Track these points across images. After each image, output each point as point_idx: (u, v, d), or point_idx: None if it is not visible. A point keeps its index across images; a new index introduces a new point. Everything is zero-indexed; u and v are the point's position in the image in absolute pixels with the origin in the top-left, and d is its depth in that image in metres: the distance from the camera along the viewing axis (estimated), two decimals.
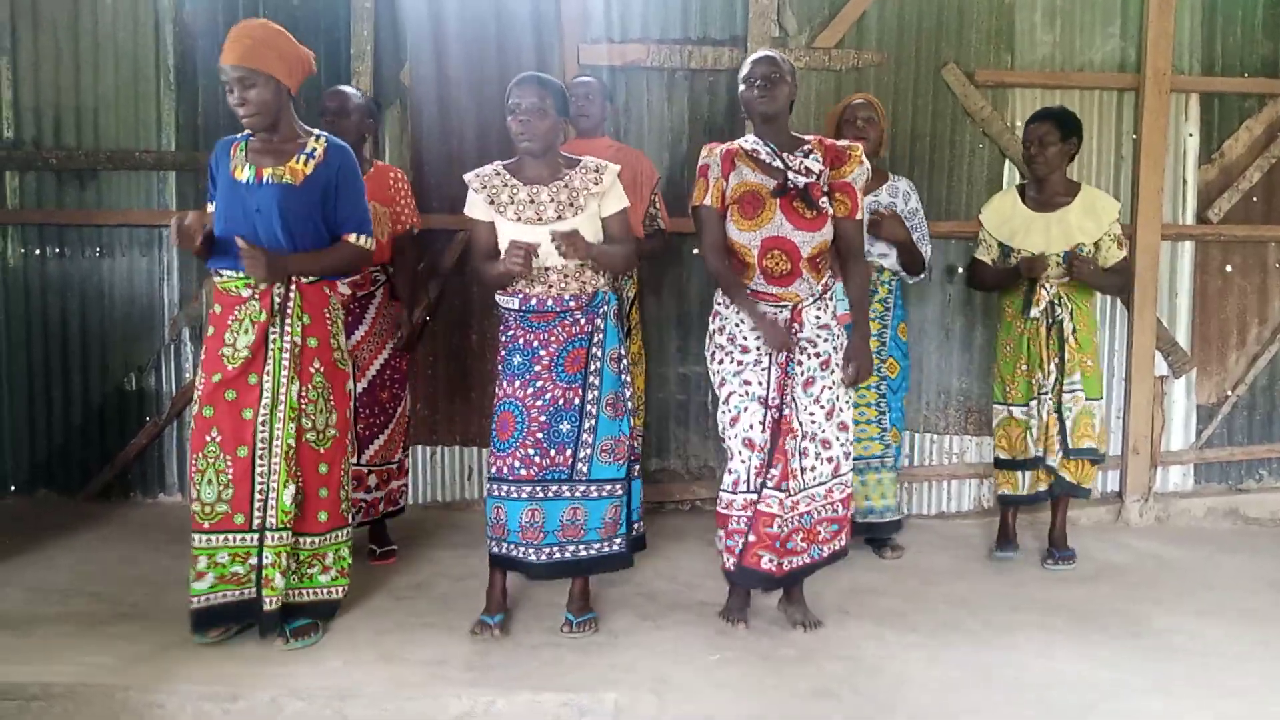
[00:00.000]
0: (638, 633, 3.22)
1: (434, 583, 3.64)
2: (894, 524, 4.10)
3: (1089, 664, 3.04)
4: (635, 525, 3.27)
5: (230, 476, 2.98)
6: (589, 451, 3.13)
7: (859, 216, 3.20)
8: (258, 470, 2.98)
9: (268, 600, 2.99)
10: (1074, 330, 3.90)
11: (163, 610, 3.30)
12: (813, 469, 3.21)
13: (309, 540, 3.08)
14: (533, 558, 3.14)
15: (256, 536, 2.99)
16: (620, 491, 3.18)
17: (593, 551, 3.17)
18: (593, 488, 3.14)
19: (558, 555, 3.15)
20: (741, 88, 3.17)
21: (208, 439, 2.99)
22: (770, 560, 3.16)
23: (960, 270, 4.58)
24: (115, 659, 2.92)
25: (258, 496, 2.99)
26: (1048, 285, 3.89)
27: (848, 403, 3.29)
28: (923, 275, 4.13)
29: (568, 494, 3.13)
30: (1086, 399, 3.92)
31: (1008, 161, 4.63)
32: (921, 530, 4.47)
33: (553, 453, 3.12)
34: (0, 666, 2.84)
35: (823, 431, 3.21)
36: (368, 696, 2.74)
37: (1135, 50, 4.63)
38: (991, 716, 2.71)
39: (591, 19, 4.56)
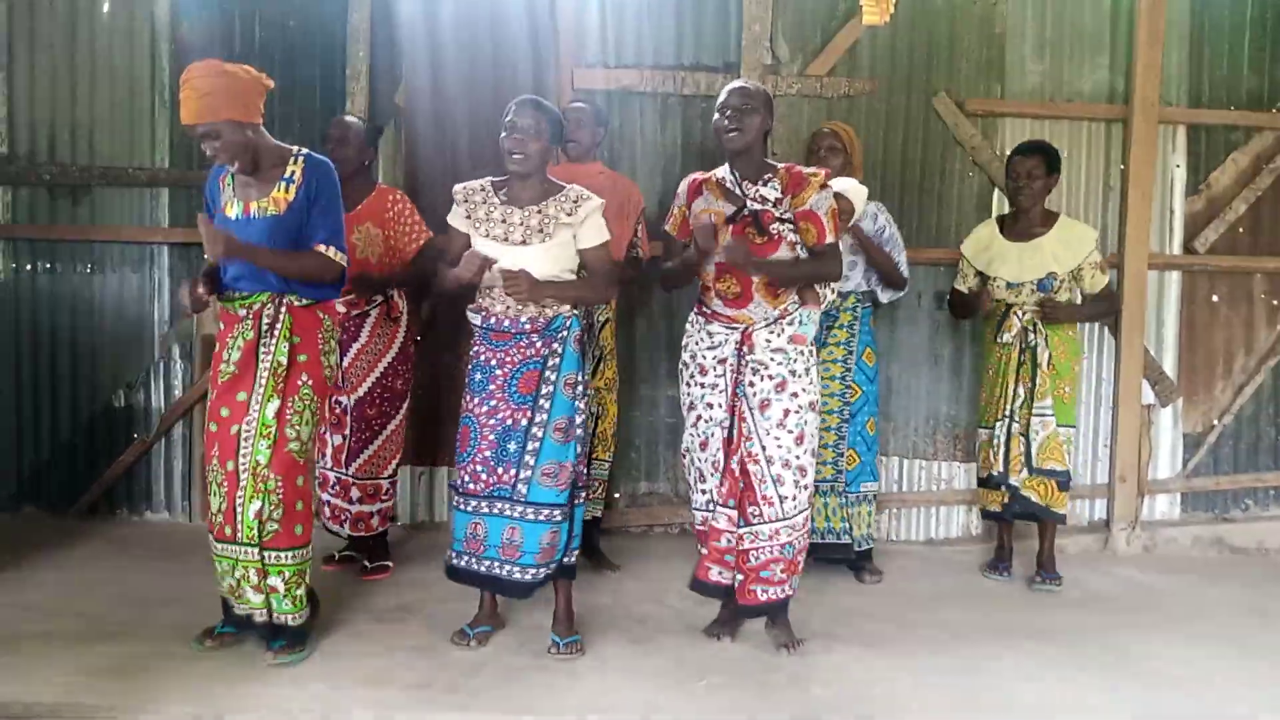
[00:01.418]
0: (626, 656, 3.22)
1: (419, 604, 3.62)
2: (841, 546, 4.04)
3: (1075, 689, 3.04)
4: (571, 552, 3.23)
5: (225, 489, 3.04)
6: (529, 474, 3.14)
7: (829, 240, 3.20)
8: (241, 484, 3.02)
9: (255, 614, 3.06)
10: (1049, 357, 3.97)
11: (147, 629, 3.28)
12: (794, 498, 3.22)
13: (289, 555, 3.06)
14: (475, 567, 3.21)
15: (237, 549, 3.04)
16: (559, 517, 3.16)
17: (527, 576, 3.16)
18: (529, 510, 3.14)
19: (496, 571, 3.18)
20: (715, 116, 3.21)
21: (212, 453, 3.07)
22: (719, 573, 3.27)
23: (949, 297, 4.60)
24: (100, 678, 2.90)
25: (239, 510, 3.03)
26: (1020, 312, 3.97)
27: (817, 429, 3.30)
28: (903, 292, 4.15)
29: (508, 513, 3.16)
30: (1057, 424, 4.00)
31: (996, 190, 4.66)
32: (910, 555, 4.48)
33: (499, 470, 3.16)
34: None
35: (797, 459, 3.22)
36: (352, 718, 2.72)
37: (1124, 81, 4.69)
38: None
39: (587, 43, 4.60)
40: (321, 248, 3.10)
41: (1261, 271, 4.83)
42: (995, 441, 4.09)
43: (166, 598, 3.57)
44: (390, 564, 4.00)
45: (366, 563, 3.96)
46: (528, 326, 3.13)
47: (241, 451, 3.01)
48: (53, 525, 4.52)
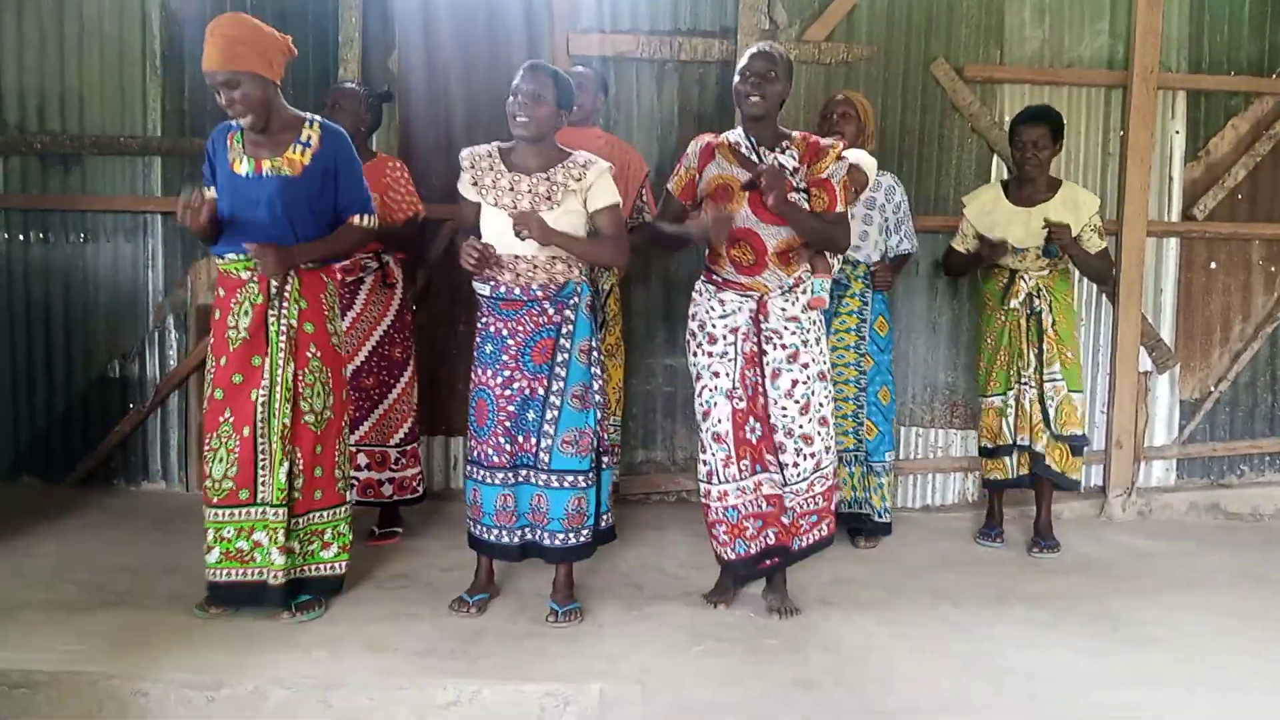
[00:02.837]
0: (623, 623, 3.23)
1: (421, 572, 3.64)
2: (861, 517, 4.08)
3: (1072, 655, 3.06)
4: (604, 517, 3.28)
5: (237, 455, 3.06)
6: (550, 442, 3.15)
7: (839, 209, 3.20)
8: (260, 449, 3.06)
9: (271, 576, 3.08)
10: (1053, 322, 3.98)
11: (147, 597, 3.29)
12: (795, 465, 3.24)
13: (308, 517, 3.16)
14: (506, 539, 3.21)
15: (259, 511, 3.08)
16: (584, 484, 3.18)
17: (556, 541, 3.18)
18: (554, 478, 3.16)
19: (529, 536, 3.21)
20: (736, 79, 3.18)
21: (221, 420, 3.08)
22: (768, 535, 3.25)
23: (943, 270, 4.59)
24: (99, 646, 2.90)
25: (261, 474, 3.07)
26: (1026, 277, 3.98)
27: (827, 398, 3.31)
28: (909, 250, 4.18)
29: (533, 480, 3.17)
30: (1068, 389, 3.98)
31: (996, 156, 4.64)
32: (906, 522, 4.49)
33: (520, 439, 3.16)
34: None
35: (801, 428, 3.24)
36: (353, 686, 2.74)
37: (1123, 47, 4.65)
38: (976, 707, 2.73)
39: (582, 8, 4.54)
40: (356, 219, 3.15)
41: (1260, 238, 4.82)
42: (1007, 409, 4.07)
43: (164, 566, 3.58)
44: (400, 530, 4.01)
45: (375, 528, 3.97)
46: (540, 294, 3.10)
47: (260, 416, 3.04)
48: (50, 495, 4.52)
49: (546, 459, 3.15)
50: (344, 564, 3.27)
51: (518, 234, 2.99)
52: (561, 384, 3.14)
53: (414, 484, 4.03)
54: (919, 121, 4.64)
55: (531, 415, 3.15)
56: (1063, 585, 3.71)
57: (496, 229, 3.09)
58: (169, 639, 2.97)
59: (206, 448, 3.11)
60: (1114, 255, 4.62)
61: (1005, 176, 4.31)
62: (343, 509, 3.25)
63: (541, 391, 3.14)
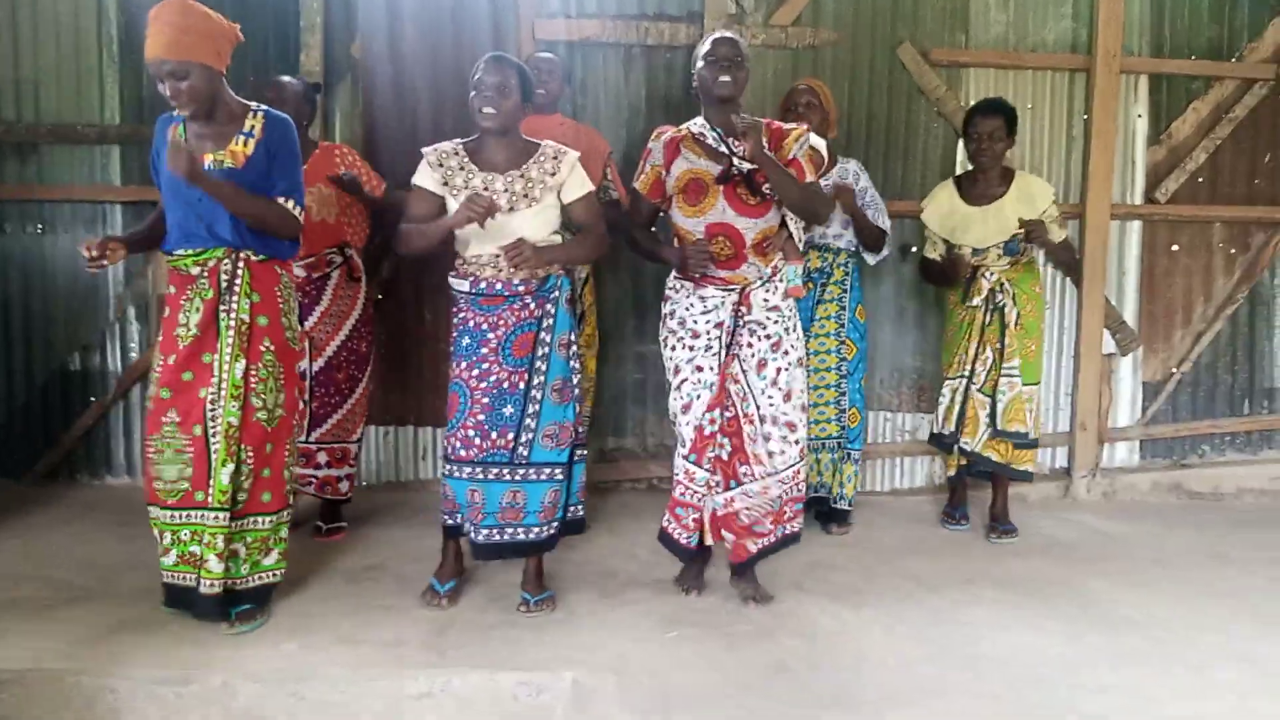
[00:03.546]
0: (596, 611, 3.23)
1: (389, 564, 3.61)
2: (826, 500, 4.13)
3: (1042, 637, 3.10)
4: (572, 509, 3.28)
5: (190, 455, 2.95)
6: (531, 436, 3.13)
7: (809, 179, 3.19)
8: (212, 448, 2.94)
9: (204, 584, 2.94)
10: (1017, 316, 3.98)
11: (112, 593, 3.25)
12: (782, 453, 3.24)
13: (257, 520, 3.03)
14: (473, 536, 3.17)
15: (204, 515, 2.95)
16: (560, 476, 3.18)
17: (531, 535, 3.17)
18: (532, 471, 3.14)
19: (495, 537, 3.16)
20: (700, 65, 3.16)
21: (164, 420, 2.96)
22: (686, 537, 3.30)
23: (914, 250, 4.60)
24: (65, 643, 2.86)
25: (211, 475, 2.95)
26: (987, 274, 3.97)
27: (805, 384, 3.31)
28: (885, 253, 4.15)
29: (508, 476, 3.13)
30: (1023, 384, 4.02)
31: (961, 141, 4.66)
32: (875, 506, 4.52)
33: (494, 435, 3.12)
34: None
35: (785, 415, 3.23)
36: (324, 678, 2.72)
37: (1087, 31, 4.69)
38: (950, 690, 2.75)
39: None
40: (280, 200, 3.00)
41: (1220, 220, 4.88)
42: (954, 399, 4.08)
43: (130, 562, 3.53)
44: (345, 525, 3.97)
45: (321, 524, 3.93)
46: (521, 289, 3.08)
47: (210, 415, 2.93)
48: (11, 491, 4.44)
49: (526, 453, 3.13)
50: (281, 571, 3.13)
51: (512, 266, 2.98)
52: (542, 378, 3.13)
53: (349, 485, 3.99)
54: (885, 106, 4.65)
55: (509, 410, 3.11)
56: (1032, 567, 3.75)
57: (473, 230, 3.02)
58: (136, 634, 2.94)
59: (151, 449, 2.98)
60: (1078, 238, 4.67)
61: (955, 175, 4.30)
62: (286, 513, 3.12)
63: (522, 386, 3.11)
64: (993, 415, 4.03)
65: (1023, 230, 3.85)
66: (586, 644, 2.97)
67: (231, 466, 2.93)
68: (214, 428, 2.93)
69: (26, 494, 4.40)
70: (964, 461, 4.14)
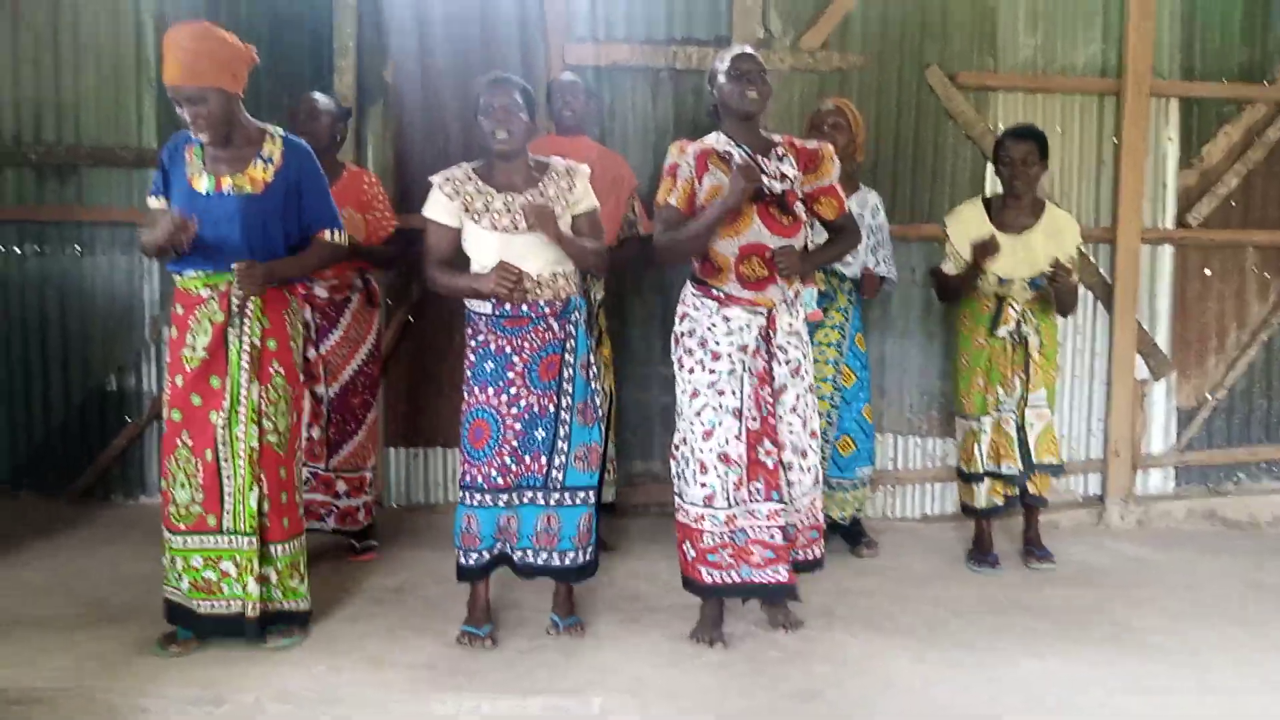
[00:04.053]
0: (622, 635, 3.23)
1: (417, 586, 3.63)
2: (857, 532, 4.12)
3: (1073, 664, 3.07)
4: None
5: (200, 480, 2.95)
6: (564, 459, 3.12)
7: (848, 209, 3.23)
8: (224, 473, 2.95)
9: (249, 608, 2.97)
10: (1040, 345, 3.94)
11: (145, 613, 3.27)
12: (799, 482, 3.21)
13: (280, 548, 3.04)
14: (506, 551, 3.14)
15: (226, 540, 2.97)
16: (592, 500, 3.17)
17: (566, 561, 3.15)
18: (566, 495, 3.13)
19: (530, 559, 3.14)
20: (721, 80, 3.09)
21: (178, 442, 2.97)
22: (778, 570, 3.12)
23: (935, 279, 4.58)
24: (98, 662, 2.90)
25: (226, 499, 2.96)
26: (1014, 304, 3.91)
27: (815, 410, 3.28)
28: (881, 291, 4.18)
29: (541, 501, 3.12)
30: (1050, 413, 4.00)
31: (990, 164, 4.64)
32: (904, 533, 4.49)
33: (527, 459, 3.10)
34: None
35: (801, 442, 3.21)
36: (353, 700, 2.74)
37: (1116, 54, 4.66)
38: (979, 716, 2.72)
39: (577, 18, 4.55)
40: (326, 235, 3.07)
41: (1253, 244, 4.83)
42: (981, 434, 3.95)
43: (163, 581, 3.56)
44: (376, 543, 3.99)
45: (355, 543, 3.96)
46: (546, 310, 3.06)
47: (221, 440, 2.94)
48: (48, 509, 4.50)
49: (560, 477, 3.11)
50: (307, 599, 3.15)
51: (528, 223, 2.96)
52: (569, 399, 3.12)
53: (368, 512, 3.99)
54: (913, 129, 4.65)
55: (541, 434, 3.09)
56: (1063, 595, 3.71)
57: (493, 252, 3.01)
58: (169, 654, 2.97)
59: (165, 472, 3.00)
60: (1109, 262, 4.64)
61: (982, 196, 4.27)
62: (303, 537, 3.14)
63: (552, 408, 3.10)
64: (1025, 448, 3.95)
65: (1051, 271, 3.80)
66: (612, 668, 2.97)
67: (257, 490, 2.96)
68: (225, 453, 2.94)
69: (63, 512, 4.46)
70: (1010, 492, 3.99)
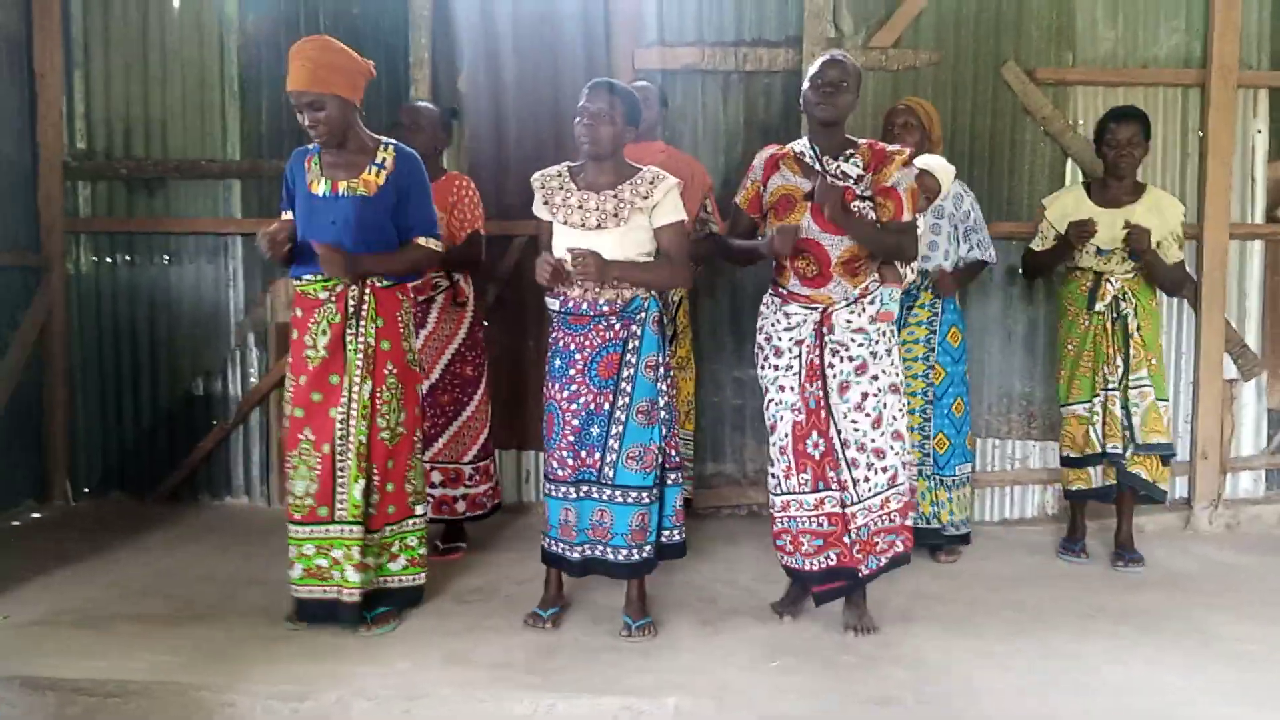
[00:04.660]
0: (697, 637, 3.23)
1: (497, 585, 3.67)
2: (933, 532, 4.03)
3: (1160, 671, 2.98)
4: (668, 533, 3.25)
5: (318, 472, 3.12)
6: (615, 457, 3.15)
7: (906, 218, 3.15)
8: (339, 466, 3.12)
9: (346, 594, 3.12)
10: (1138, 326, 3.87)
11: (233, 610, 3.38)
12: (866, 480, 3.20)
13: (388, 530, 3.22)
14: (568, 554, 3.22)
15: (338, 529, 3.13)
16: (648, 500, 3.17)
17: (620, 557, 3.18)
18: (618, 493, 3.16)
19: (589, 553, 3.21)
20: (805, 86, 3.16)
21: (301, 437, 3.15)
22: (829, 556, 3.19)
23: (1020, 272, 4.52)
24: (188, 657, 2.99)
25: (339, 491, 3.13)
26: (1112, 280, 3.87)
27: (901, 411, 3.26)
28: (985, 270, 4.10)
29: (596, 495, 3.18)
30: (1155, 397, 3.88)
31: (1070, 160, 4.56)
32: (986, 537, 4.41)
33: (583, 454, 3.17)
34: (79, 662, 2.93)
35: (873, 441, 3.19)
36: (434, 697, 2.78)
37: (1200, 45, 4.54)
38: None
39: (645, 23, 4.58)
40: (421, 240, 3.21)
41: None
42: (1094, 416, 3.94)
43: (250, 579, 3.67)
44: (464, 545, 4.05)
45: (439, 543, 4.02)
46: (606, 309, 3.12)
47: (339, 433, 3.11)
48: (137, 510, 4.67)
49: (611, 474, 3.16)
50: (416, 577, 3.32)
51: (576, 270, 3.02)
52: (627, 399, 3.15)
53: (484, 499, 4.07)
54: (989, 126, 4.58)
55: (596, 430, 3.15)
56: (1149, 600, 3.61)
57: (561, 246, 3.12)
58: (255, 651, 3.05)
59: (288, 465, 3.19)
60: (1195, 258, 4.50)
61: (1082, 180, 4.22)
62: (411, 521, 3.29)
63: (607, 407, 3.15)
64: (1130, 428, 3.89)
65: (1125, 231, 3.74)
66: (688, 670, 2.96)
67: (363, 482, 3.11)
68: (343, 446, 3.10)
69: (151, 513, 4.61)
70: (1109, 477, 3.97)
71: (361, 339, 3.11)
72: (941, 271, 3.96)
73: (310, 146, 3.20)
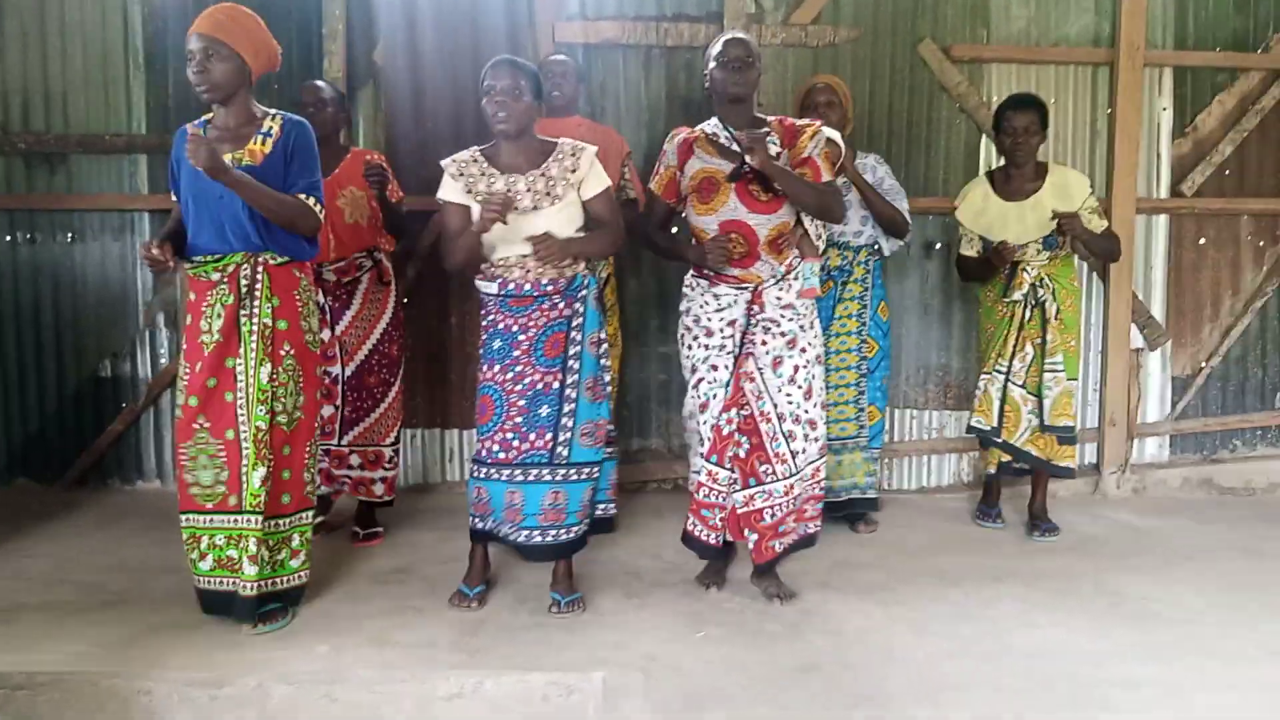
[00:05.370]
0: (623, 611, 3.24)
1: (418, 566, 3.64)
2: (870, 501, 4.13)
3: (1072, 633, 3.08)
4: (602, 507, 3.29)
5: (223, 459, 3.00)
6: (569, 435, 3.14)
7: (825, 178, 3.19)
8: (244, 452, 2.98)
9: (242, 587, 2.99)
10: (1057, 311, 3.94)
11: (145, 597, 3.29)
12: (803, 451, 3.25)
13: (276, 523, 3.06)
14: (514, 538, 3.18)
15: (244, 519, 2.99)
16: (597, 474, 3.21)
17: (572, 535, 3.19)
18: (573, 471, 3.16)
19: (537, 539, 3.16)
20: (712, 66, 3.17)
21: (195, 427, 3.00)
22: (709, 535, 3.31)
23: (937, 246, 4.60)
24: (100, 646, 2.90)
25: (243, 478, 2.99)
26: (1029, 268, 3.93)
27: (825, 382, 3.32)
28: (906, 240, 4.09)
29: (548, 478, 3.14)
30: (1067, 379, 3.98)
31: (984, 137, 4.64)
32: (902, 505, 4.51)
33: (532, 436, 3.13)
34: None
35: (806, 413, 3.25)
36: (356, 680, 2.74)
37: (1109, 25, 4.65)
38: (979, 687, 2.73)
39: None
40: (301, 197, 3.01)
41: (1248, 213, 4.84)
42: (991, 395, 4.03)
43: (162, 565, 3.57)
44: (381, 530, 3.99)
45: (358, 529, 3.96)
46: (550, 289, 3.10)
47: (240, 418, 2.98)
48: (45, 496, 4.51)
49: (566, 453, 3.14)
50: (307, 573, 3.18)
51: (539, 258, 3.00)
52: (575, 376, 3.14)
53: (389, 487, 4.01)
54: (907, 103, 4.64)
55: (545, 410, 3.12)
56: (1060, 564, 3.73)
57: (499, 232, 3.03)
58: (170, 638, 2.97)
59: (184, 457, 3.02)
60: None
61: (985, 171, 4.27)
62: (308, 514, 3.15)
63: (556, 385, 3.13)
64: (1040, 411, 3.98)
65: (1056, 223, 3.81)
66: (615, 644, 2.97)
67: (263, 470, 2.96)
68: (244, 431, 2.97)
69: (59, 499, 4.46)
70: (1005, 458, 4.10)
71: (256, 319, 2.97)
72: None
73: (196, 122, 3.06)
